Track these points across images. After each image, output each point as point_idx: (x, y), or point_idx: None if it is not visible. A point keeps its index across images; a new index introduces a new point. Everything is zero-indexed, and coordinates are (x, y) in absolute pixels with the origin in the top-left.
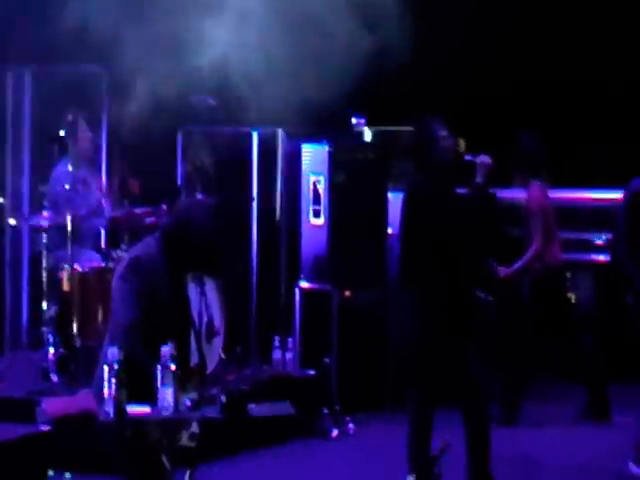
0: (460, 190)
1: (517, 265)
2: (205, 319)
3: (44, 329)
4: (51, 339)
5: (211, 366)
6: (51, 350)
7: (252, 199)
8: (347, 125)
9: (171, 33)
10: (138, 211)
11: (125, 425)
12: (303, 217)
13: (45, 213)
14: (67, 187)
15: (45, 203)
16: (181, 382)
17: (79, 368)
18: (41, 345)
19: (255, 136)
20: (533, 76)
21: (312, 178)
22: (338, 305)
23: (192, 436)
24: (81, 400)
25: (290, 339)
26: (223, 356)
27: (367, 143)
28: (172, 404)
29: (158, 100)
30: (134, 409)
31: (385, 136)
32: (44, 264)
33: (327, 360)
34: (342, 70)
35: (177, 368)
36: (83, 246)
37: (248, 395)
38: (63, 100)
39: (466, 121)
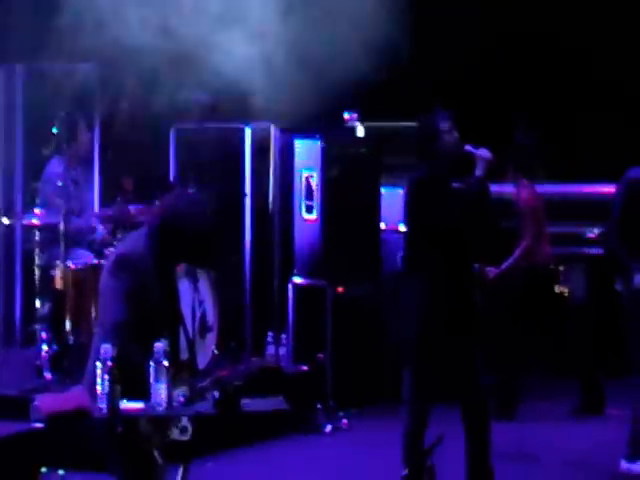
0: (460, 183)
1: (506, 264)
2: (198, 315)
3: (37, 327)
4: (44, 336)
5: (204, 361)
6: (44, 347)
7: (245, 194)
8: (340, 120)
9: (164, 29)
10: (131, 209)
11: (117, 421)
12: (296, 212)
13: (37, 211)
14: (60, 185)
15: (37, 201)
16: (172, 378)
17: (72, 365)
18: (34, 342)
19: (248, 131)
20: (530, 70)
21: (305, 173)
22: (332, 300)
23: (183, 430)
24: (75, 397)
25: (284, 334)
26: (216, 352)
27: (360, 138)
28: (165, 400)
29: (150, 97)
30: (127, 405)
31: (378, 131)
32: (37, 262)
33: (321, 355)
34: (335, 65)
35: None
36: (76, 244)
37: (241, 390)
38: (55, 98)
39: (461, 115)
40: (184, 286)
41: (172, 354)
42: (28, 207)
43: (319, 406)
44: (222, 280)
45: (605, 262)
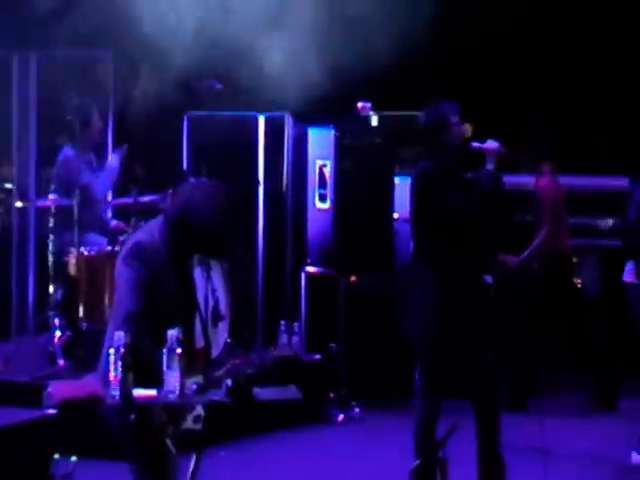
0: (470, 175)
1: (527, 252)
2: (211, 303)
3: (50, 313)
4: (57, 323)
5: (217, 350)
6: (57, 334)
7: (258, 183)
8: (353, 110)
9: (178, 16)
10: (144, 199)
11: (130, 409)
12: (309, 202)
13: (51, 196)
14: (74, 170)
15: (51, 187)
16: (186, 366)
17: (85, 352)
18: (47, 329)
19: (262, 120)
20: (543, 62)
21: (318, 162)
22: (344, 289)
23: (197, 419)
24: (88, 384)
25: (296, 323)
26: (229, 340)
27: (373, 128)
28: (178, 388)
29: (164, 84)
30: (140, 393)
31: (391, 121)
32: (50, 248)
33: (333, 345)
34: (349, 55)
35: (182, 352)
36: (90, 230)
37: (254, 379)
38: (68, 84)
39: (473, 106)
40: (197, 275)
41: (187, 343)
42: (42, 194)
43: (332, 395)
44: (235, 269)
45: (618, 253)
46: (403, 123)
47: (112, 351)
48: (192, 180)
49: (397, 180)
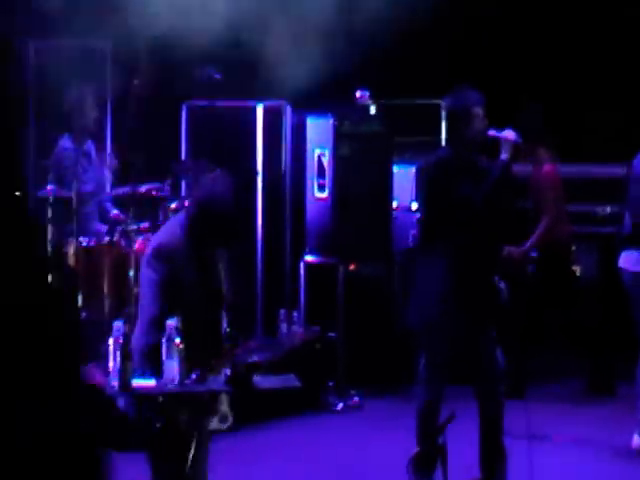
0: (484, 165)
1: (530, 242)
2: None
3: None
4: None
5: None
6: None
7: (257, 173)
8: (352, 98)
9: (175, 5)
10: (142, 189)
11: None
12: (308, 190)
13: (49, 187)
14: (71, 160)
15: (49, 177)
16: (214, 362)
17: (85, 342)
18: None
19: (260, 109)
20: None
21: (317, 151)
22: (343, 278)
23: (223, 418)
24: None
25: (295, 312)
26: (228, 330)
27: (372, 116)
28: (177, 377)
29: (162, 73)
30: (139, 383)
31: (390, 109)
32: (49, 238)
33: (332, 333)
34: (347, 43)
35: (208, 349)
36: (88, 220)
37: (253, 368)
38: (66, 74)
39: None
40: None
41: (214, 340)
42: (40, 184)
43: (331, 384)
44: (234, 258)
45: (616, 241)
46: (401, 111)
47: (111, 341)
48: (212, 175)
49: (396, 168)
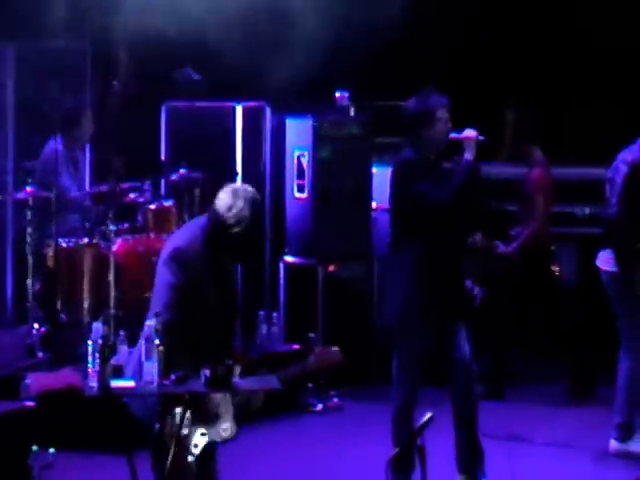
0: (448, 165)
1: (516, 243)
2: None
3: (29, 305)
4: (36, 315)
5: None
6: (36, 326)
7: (236, 173)
8: (331, 100)
9: (155, 7)
10: (123, 187)
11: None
12: (288, 192)
13: (29, 189)
14: (57, 164)
15: (30, 179)
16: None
17: (64, 344)
18: (26, 321)
19: (239, 110)
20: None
21: (296, 153)
22: (323, 279)
23: (225, 430)
24: (66, 376)
25: (275, 314)
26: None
27: (351, 117)
28: (156, 379)
29: (142, 75)
30: (118, 384)
31: (369, 110)
32: (29, 240)
33: (312, 334)
34: (327, 45)
35: (218, 356)
36: (68, 222)
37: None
38: (47, 77)
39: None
40: None
41: (227, 348)
42: (20, 186)
43: (310, 385)
44: None
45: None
46: (381, 112)
47: (90, 342)
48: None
49: (375, 169)
